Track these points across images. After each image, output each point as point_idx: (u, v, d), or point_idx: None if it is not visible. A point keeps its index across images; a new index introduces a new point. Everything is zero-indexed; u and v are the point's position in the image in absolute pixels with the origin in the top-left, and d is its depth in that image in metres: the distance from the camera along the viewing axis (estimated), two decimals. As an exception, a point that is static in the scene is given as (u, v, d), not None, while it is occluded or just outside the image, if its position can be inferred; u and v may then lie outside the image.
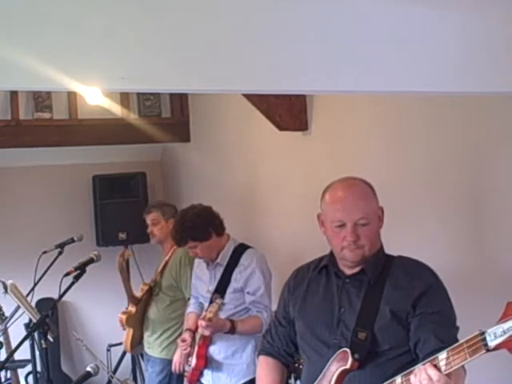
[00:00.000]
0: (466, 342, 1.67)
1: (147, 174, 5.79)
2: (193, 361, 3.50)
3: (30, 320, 3.39)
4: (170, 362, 4.06)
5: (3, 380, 4.42)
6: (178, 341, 3.69)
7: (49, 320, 3.07)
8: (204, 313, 3.34)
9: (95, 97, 4.80)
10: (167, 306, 4.18)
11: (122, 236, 5.53)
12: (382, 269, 2.12)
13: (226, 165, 5.08)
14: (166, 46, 1.69)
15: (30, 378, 4.89)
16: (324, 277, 2.24)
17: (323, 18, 1.82)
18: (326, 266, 2.25)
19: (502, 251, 2.76)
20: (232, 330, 3.27)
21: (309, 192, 4.12)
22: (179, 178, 5.94)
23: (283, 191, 4.40)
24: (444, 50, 1.95)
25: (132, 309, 4.28)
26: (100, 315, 5.70)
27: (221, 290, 3.45)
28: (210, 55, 1.72)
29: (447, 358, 1.74)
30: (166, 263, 4.21)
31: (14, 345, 3.40)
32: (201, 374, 3.53)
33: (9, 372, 4.40)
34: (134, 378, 5.07)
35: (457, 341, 1.77)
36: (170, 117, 5.71)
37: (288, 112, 4.05)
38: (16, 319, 3.70)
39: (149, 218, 4.30)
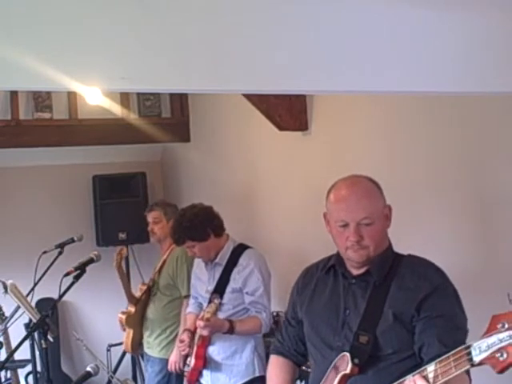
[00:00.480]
0: (453, 354, 1.61)
1: (147, 174, 5.79)
2: (192, 361, 3.50)
3: (30, 320, 3.39)
4: (169, 362, 4.07)
5: (3, 380, 4.42)
6: (177, 341, 3.69)
7: (49, 320, 3.06)
8: (202, 313, 3.33)
9: (95, 97, 4.80)
10: (165, 305, 4.18)
11: (122, 236, 5.52)
12: (390, 269, 2.06)
13: (226, 165, 5.08)
14: (166, 46, 1.69)
15: (30, 377, 4.89)
16: (332, 277, 2.19)
17: (323, 19, 1.82)
18: (333, 265, 2.20)
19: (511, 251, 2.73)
20: (230, 330, 3.27)
21: (309, 192, 4.13)
22: (179, 177, 5.94)
23: (283, 191, 4.40)
24: (444, 50, 1.95)
25: (131, 309, 4.28)
26: (100, 315, 5.70)
27: (219, 290, 3.45)
28: (209, 55, 1.72)
29: (435, 371, 1.68)
30: (164, 262, 4.22)
31: (14, 345, 3.40)
32: (200, 374, 3.53)
33: (9, 372, 4.40)
34: (134, 378, 5.07)
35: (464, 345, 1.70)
36: (170, 117, 5.71)
37: (288, 112, 4.05)
38: (16, 319, 3.70)
39: (150, 216, 4.30)
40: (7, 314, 3.93)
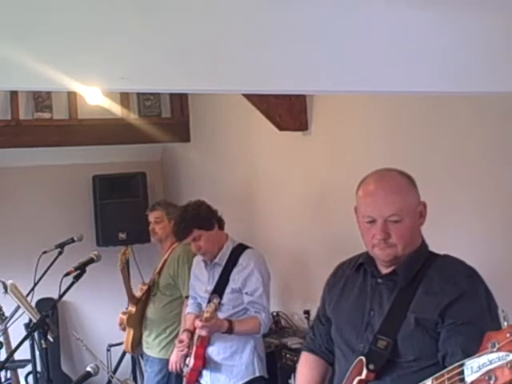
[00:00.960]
0: (448, 372, 1.49)
1: (147, 174, 5.78)
2: (191, 361, 3.49)
3: (30, 320, 3.39)
4: (168, 361, 4.06)
5: (3, 380, 4.41)
6: (176, 341, 3.69)
7: (49, 320, 3.06)
8: (201, 312, 3.33)
9: (95, 97, 4.80)
10: (165, 305, 4.18)
11: (122, 236, 5.52)
12: (419, 270, 1.93)
13: (226, 165, 5.08)
14: (165, 45, 1.69)
15: (30, 377, 4.88)
16: (361, 275, 2.08)
17: (323, 19, 1.82)
18: (362, 263, 2.09)
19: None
20: (229, 330, 3.27)
21: (309, 192, 4.14)
22: (179, 177, 5.94)
23: (283, 191, 4.40)
24: (444, 51, 1.95)
25: (132, 309, 4.28)
26: (100, 315, 5.70)
27: (219, 290, 3.45)
28: (210, 55, 1.72)
29: None
30: (165, 262, 4.22)
31: (14, 345, 3.40)
32: (199, 374, 3.53)
33: (9, 372, 4.39)
34: (134, 378, 5.07)
35: None
36: (170, 117, 5.71)
37: (288, 112, 4.06)
38: (16, 319, 3.70)
39: (152, 216, 4.30)
40: (7, 314, 3.92)
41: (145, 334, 4.29)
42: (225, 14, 1.74)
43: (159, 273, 4.22)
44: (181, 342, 3.59)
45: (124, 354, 5.14)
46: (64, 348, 5.68)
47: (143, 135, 5.36)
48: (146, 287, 4.29)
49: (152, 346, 4.23)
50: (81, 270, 3.05)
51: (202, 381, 3.54)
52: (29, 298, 3.56)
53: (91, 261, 3.15)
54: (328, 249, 3.99)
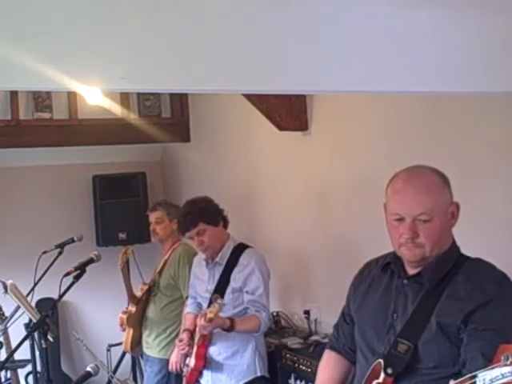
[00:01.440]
0: (460, 382, 1.44)
1: (147, 174, 5.78)
2: (192, 361, 3.49)
3: (30, 320, 3.39)
4: (168, 361, 4.06)
5: (3, 380, 4.41)
6: (176, 341, 3.69)
7: (49, 320, 3.06)
8: (204, 311, 3.31)
9: (95, 97, 4.80)
10: (165, 305, 4.18)
11: (122, 236, 5.52)
12: (447, 274, 1.86)
13: (226, 165, 5.08)
14: (165, 46, 1.69)
15: (30, 377, 4.88)
16: (388, 275, 2.01)
17: (323, 19, 1.82)
18: (389, 263, 2.02)
19: None
20: (231, 328, 3.26)
21: (309, 192, 4.14)
22: (179, 177, 5.94)
23: (283, 191, 4.40)
24: (444, 51, 1.95)
25: (132, 308, 4.28)
26: (100, 315, 5.69)
27: (220, 290, 3.45)
28: (209, 55, 1.72)
29: None
30: (165, 262, 4.22)
31: (14, 345, 3.40)
32: (200, 374, 3.53)
33: (9, 372, 4.39)
34: (134, 378, 5.07)
35: None
36: (169, 117, 5.71)
37: (288, 112, 4.06)
38: (16, 319, 3.70)
39: (153, 216, 4.29)
40: (7, 314, 3.92)
41: (145, 334, 4.29)
42: (225, 13, 1.74)
43: (160, 273, 4.22)
44: (181, 341, 3.59)
45: (124, 353, 5.14)
46: (64, 348, 5.67)
47: (143, 135, 5.36)
48: (146, 287, 4.29)
49: (152, 346, 4.23)
50: (81, 269, 3.05)
51: (202, 381, 3.54)
52: (29, 298, 3.56)
53: (91, 261, 3.15)
54: (328, 249, 4.00)
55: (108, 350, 5.27)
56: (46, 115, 5.26)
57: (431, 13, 1.91)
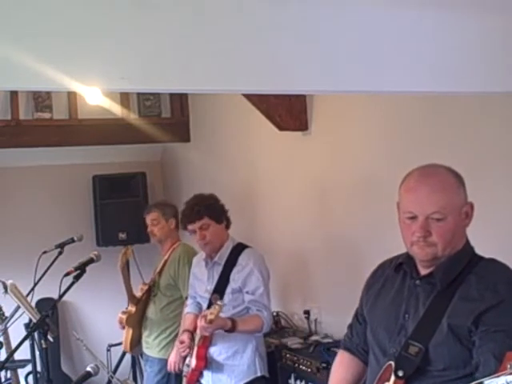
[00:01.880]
0: None
1: (147, 174, 5.78)
2: (192, 362, 3.49)
3: (30, 320, 3.39)
4: (168, 362, 4.06)
5: (3, 380, 4.41)
6: (177, 342, 3.68)
7: (49, 320, 3.06)
8: (204, 312, 3.31)
9: (95, 97, 4.80)
10: (165, 305, 4.18)
11: (122, 236, 5.52)
12: (459, 274, 1.84)
13: (226, 165, 5.08)
14: (165, 45, 1.69)
15: (30, 377, 4.88)
16: (400, 276, 1.99)
17: (323, 19, 1.82)
18: (402, 263, 2.00)
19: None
20: (232, 329, 3.26)
21: (309, 192, 4.13)
22: (179, 177, 5.94)
23: (283, 191, 4.40)
24: (444, 51, 1.95)
25: (132, 309, 4.28)
26: (100, 315, 5.69)
27: (219, 290, 3.45)
28: (209, 55, 1.72)
29: None
30: (165, 262, 4.22)
31: (14, 345, 3.40)
32: (200, 374, 3.53)
33: (9, 372, 4.39)
34: (134, 378, 5.07)
35: None
36: (169, 117, 5.71)
37: (288, 112, 4.06)
38: (16, 319, 3.69)
39: (149, 218, 4.29)
40: (7, 314, 3.92)
41: (145, 334, 4.29)
42: (225, 13, 1.74)
43: (160, 273, 4.22)
44: (182, 342, 3.58)
45: (124, 354, 5.14)
46: (64, 348, 5.67)
47: (143, 135, 5.36)
48: (146, 287, 4.29)
49: (152, 346, 4.23)
50: (81, 269, 3.05)
51: (202, 381, 3.54)
52: (29, 298, 3.56)
53: (91, 261, 3.15)
54: (328, 249, 4.00)
55: (108, 350, 5.27)
56: (46, 115, 5.26)
57: (431, 13, 1.91)
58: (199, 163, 5.54)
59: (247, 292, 3.39)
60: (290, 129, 4.11)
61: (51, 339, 3.13)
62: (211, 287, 3.51)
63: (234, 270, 3.45)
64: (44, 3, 1.57)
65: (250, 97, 3.93)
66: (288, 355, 3.77)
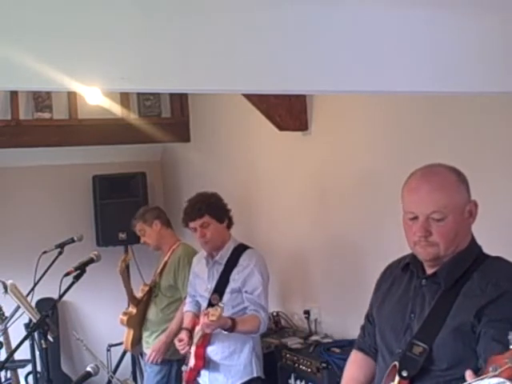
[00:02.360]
0: None
1: (147, 174, 5.78)
2: (191, 361, 3.50)
3: (30, 320, 3.39)
4: (168, 361, 4.07)
5: (3, 380, 4.41)
6: (175, 340, 3.69)
7: (49, 320, 3.06)
8: (206, 311, 3.28)
9: (95, 97, 4.80)
10: (166, 306, 4.19)
11: (122, 236, 5.52)
12: (464, 273, 1.83)
13: (226, 165, 5.08)
14: (165, 45, 1.69)
15: (30, 377, 4.88)
16: (407, 276, 1.99)
17: (323, 19, 1.82)
18: (409, 263, 2.00)
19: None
20: (232, 328, 3.26)
21: (309, 192, 4.13)
22: (179, 177, 5.94)
23: (283, 191, 4.40)
24: (444, 51, 1.95)
25: (133, 309, 4.29)
26: (100, 315, 5.70)
27: (219, 289, 3.45)
28: (209, 55, 1.72)
29: None
30: (165, 264, 4.22)
31: (14, 345, 3.40)
32: (198, 374, 3.53)
33: (9, 372, 4.39)
34: (134, 378, 5.07)
35: None
36: (169, 117, 5.71)
37: (288, 112, 4.06)
38: (16, 319, 3.69)
39: (136, 231, 4.34)
40: (7, 314, 3.92)
41: (145, 334, 4.29)
42: (224, 13, 1.74)
43: (160, 274, 4.23)
44: (181, 340, 3.59)
45: (124, 354, 5.14)
46: (64, 348, 5.67)
47: (143, 135, 5.36)
48: (147, 288, 4.29)
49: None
50: (81, 269, 3.05)
51: (200, 380, 3.55)
52: (29, 298, 3.56)
53: (91, 261, 3.15)
54: (328, 249, 4.00)
55: (108, 350, 5.27)
56: (46, 115, 5.26)
57: (431, 13, 1.91)
58: (199, 163, 5.53)
59: (246, 291, 3.40)
60: (290, 129, 4.11)
61: (51, 339, 3.13)
62: (211, 286, 3.51)
63: (235, 271, 3.45)
64: (44, 3, 1.57)
65: (249, 97, 3.93)
66: (288, 355, 3.77)
